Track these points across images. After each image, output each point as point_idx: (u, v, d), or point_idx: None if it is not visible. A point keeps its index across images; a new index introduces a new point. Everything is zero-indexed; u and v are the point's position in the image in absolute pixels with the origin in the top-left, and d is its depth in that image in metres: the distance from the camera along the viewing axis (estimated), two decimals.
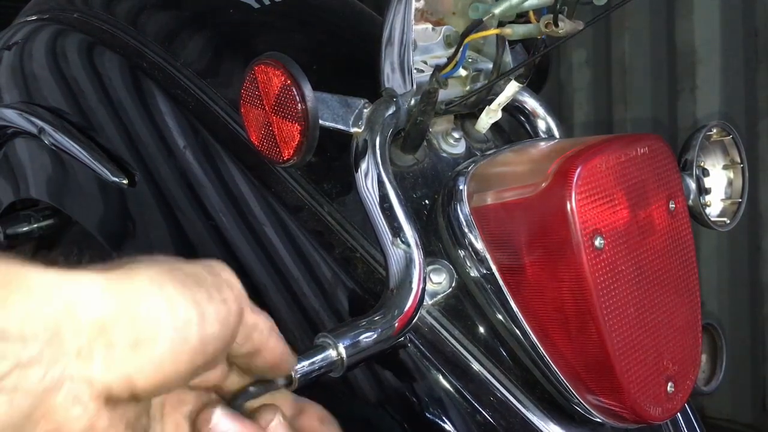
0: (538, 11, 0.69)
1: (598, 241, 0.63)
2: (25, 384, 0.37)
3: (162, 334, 0.41)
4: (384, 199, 0.66)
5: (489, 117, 0.76)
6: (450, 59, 0.70)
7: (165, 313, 0.42)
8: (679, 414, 0.79)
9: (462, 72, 0.75)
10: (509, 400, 0.69)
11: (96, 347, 0.40)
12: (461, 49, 0.69)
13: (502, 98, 0.74)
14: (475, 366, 0.70)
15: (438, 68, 0.71)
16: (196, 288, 0.44)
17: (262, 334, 0.49)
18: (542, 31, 0.66)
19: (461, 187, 0.69)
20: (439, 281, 0.70)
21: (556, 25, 0.65)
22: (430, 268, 0.70)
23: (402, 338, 0.65)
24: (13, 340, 0.37)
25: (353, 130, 0.68)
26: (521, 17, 0.70)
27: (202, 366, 0.44)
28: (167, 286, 0.43)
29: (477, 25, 0.68)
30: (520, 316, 0.68)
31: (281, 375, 0.53)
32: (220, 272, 0.46)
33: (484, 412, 0.69)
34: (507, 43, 0.77)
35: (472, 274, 0.69)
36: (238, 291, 0.47)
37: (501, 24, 0.72)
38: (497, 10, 0.67)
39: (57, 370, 0.38)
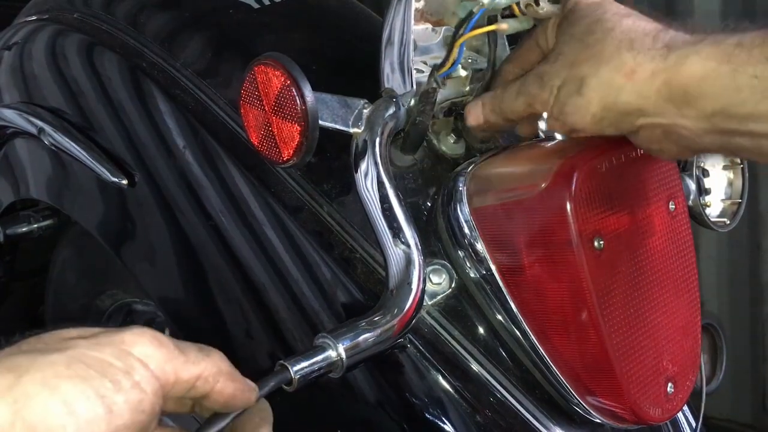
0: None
1: (598, 242, 0.63)
2: None
3: None
4: (384, 199, 0.66)
5: None
6: (447, 58, 0.70)
7: (65, 416, 0.41)
8: (679, 414, 0.79)
9: (462, 72, 0.75)
10: (509, 400, 0.69)
11: None
12: (458, 47, 0.69)
13: None
14: (475, 366, 0.70)
15: (436, 68, 0.71)
16: (99, 380, 0.42)
17: (206, 382, 0.48)
18: (522, 11, 0.67)
19: (461, 188, 0.69)
20: (439, 282, 0.70)
21: (538, 5, 0.66)
22: (430, 268, 0.70)
23: (401, 339, 0.65)
24: None
25: (353, 130, 0.68)
26: (505, 10, 0.71)
27: None
28: (63, 386, 0.41)
29: (465, 21, 0.69)
30: (519, 316, 0.68)
31: (240, 408, 0.52)
32: (132, 349, 0.45)
33: (483, 413, 0.69)
34: (506, 41, 0.77)
35: (471, 275, 0.69)
36: (158, 360, 0.45)
37: (494, 21, 0.72)
38: (486, 0, 0.68)
39: None
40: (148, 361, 0.45)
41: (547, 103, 0.64)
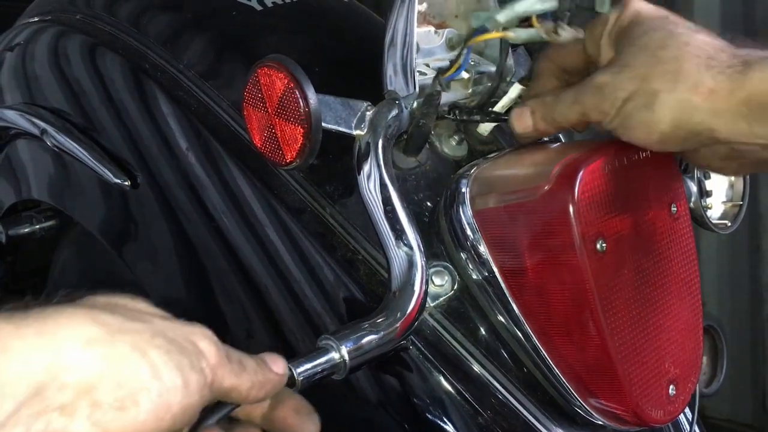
0: (541, 15, 0.69)
1: (600, 244, 0.63)
2: None
3: (146, 399, 0.42)
4: (386, 201, 0.66)
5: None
6: (452, 63, 0.70)
7: (150, 379, 0.43)
8: (680, 416, 0.79)
9: (464, 75, 0.76)
10: (511, 402, 0.69)
11: (80, 405, 0.41)
12: (464, 53, 0.70)
13: (506, 101, 0.74)
14: (477, 368, 0.70)
15: (441, 71, 0.71)
16: (179, 356, 0.44)
17: (240, 395, 0.49)
18: (543, 38, 0.66)
19: (464, 190, 0.69)
20: (441, 284, 0.70)
21: (557, 33, 0.65)
22: (433, 270, 0.70)
23: (404, 341, 0.66)
24: None
25: (356, 132, 0.68)
26: (524, 21, 0.70)
27: (177, 431, 0.45)
28: (151, 353, 0.43)
29: (480, 34, 0.69)
30: (522, 318, 0.68)
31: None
32: (198, 342, 0.47)
33: (485, 414, 0.69)
34: (510, 46, 0.77)
35: (474, 277, 0.69)
36: (215, 361, 0.47)
37: (503, 28, 0.72)
38: (502, 18, 0.67)
39: (40, 425, 0.39)
40: (208, 357, 0.47)
41: (606, 114, 0.62)
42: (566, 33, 0.65)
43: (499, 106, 0.74)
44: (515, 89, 0.73)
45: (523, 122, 0.69)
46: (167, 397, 0.43)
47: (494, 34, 0.69)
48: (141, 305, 0.48)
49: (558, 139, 0.82)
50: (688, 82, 0.58)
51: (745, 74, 0.57)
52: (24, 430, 0.39)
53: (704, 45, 0.60)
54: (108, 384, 0.41)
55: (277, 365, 0.53)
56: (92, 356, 0.41)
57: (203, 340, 0.47)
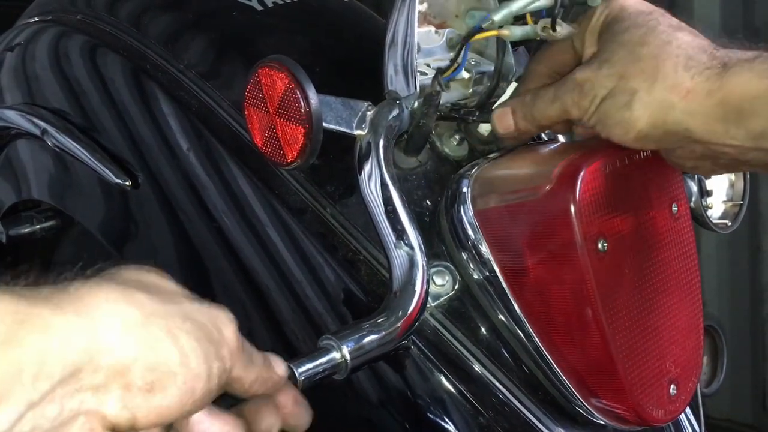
0: (536, 13, 0.69)
1: (602, 244, 0.63)
2: (42, 422, 0.39)
3: (174, 385, 0.43)
4: (387, 201, 0.66)
5: None
6: (451, 63, 0.70)
7: (179, 366, 0.43)
8: (681, 415, 0.79)
9: (465, 74, 0.75)
10: (512, 402, 0.69)
11: (113, 386, 0.41)
12: (462, 53, 0.69)
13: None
14: (478, 368, 0.70)
15: (440, 71, 0.71)
16: (207, 344, 0.45)
17: (242, 387, 0.50)
18: (539, 35, 0.66)
19: (464, 190, 0.69)
20: (443, 283, 0.70)
21: (554, 30, 0.65)
22: (434, 270, 0.70)
23: (405, 341, 0.66)
24: (24, 381, 0.38)
25: (356, 132, 0.68)
26: (518, 19, 0.70)
27: (193, 414, 0.46)
28: (182, 338, 0.44)
29: (476, 33, 0.68)
30: (523, 318, 0.68)
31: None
32: (223, 328, 0.47)
33: (486, 414, 0.69)
34: (509, 45, 0.77)
35: (475, 277, 0.69)
36: (233, 348, 0.48)
37: (499, 26, 0.72)
38: (497, 17, 0.67)
39: (74, 403, 0.40)
40: (229, 343, 0.47)
41: (585, 111, 0.62)
42: (562, 30, 0.65)
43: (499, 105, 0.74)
44: (515, 88, 0.73)
45: (504, 122, 0.69)
46: (192, 384, 0.44)
47: (489, 33, 0.68)
48: (169, 284, 0.49)
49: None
50: (666, 81, 0.58)
51: (722, 76, 0.57)
52: (58, 407, 0.40)
53: (684, 44, 0.60)
54: (140, 367, 0.42)
55: (279, 367, 0.53)
56: (128, 340, 0.42)
57: (227, 326, 0.48)
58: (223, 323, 0.48)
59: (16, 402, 0.38)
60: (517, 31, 0.68)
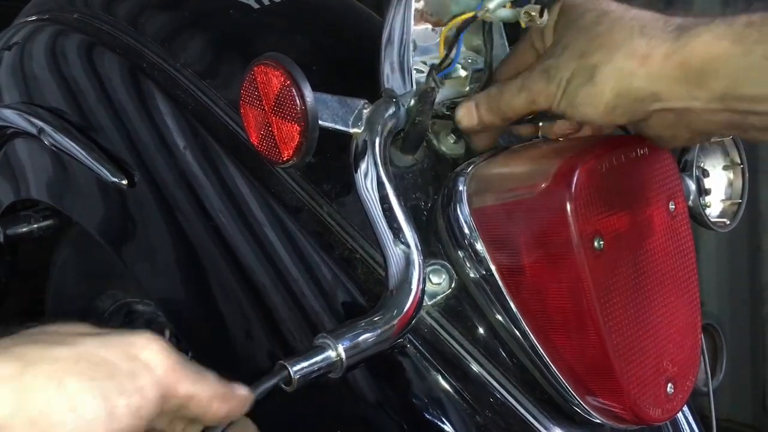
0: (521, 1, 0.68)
1: (598, 242, 0.63)
2: None
3: None
4: (383, 199, 0.66)
5: None
6: (445, 57, 0.70)
7: (66, 413, 0.40)
8: (679, 414, 0.79)
9: (462, 72, 0.75)
10: (508, 401, 0.69)
11: None
12: (455, 46, 0.69)
13: None
14: (475, 367, 0.70)
15: (434, 67, 0.71)
16: (104, 380, 0.42)
17: (200, 404, 0.47)
18: (522, 20, 0.66)
19: (461, 188, 0.69)
20: (439, 282, 0.70)
21: (542, 15, 0.65)
22: (430, 268, 0.70)
23: (401, 339, 0.65)
24: None
25: (353, 130, 0.68)
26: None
27: None
28: (69, 382, 0.41)
29: (456, 17, 0.68)
30: (519, 316, 0.68)
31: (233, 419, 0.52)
32: (139, 353, 0.45)
33: (483, 413, 0.69)
34: (506, 43, 0.77)
35: (471, 275, 0.69)
36: (164, 368, 0.45)
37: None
38: (491, 5, 0.66)
39: None
40: (154, 368, 0.45)
41: (553, 97, 0.63)
42: (546, 17, 0.65)
43: None
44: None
45: (468, 116, 0.70)
46: (87, 428, 0.41)
47: (466, 15, 0.68)
48: (75, 328, 0.46)
49: None
50: (622, 50, 0.59)
51: (678, 38, 0.57)
52: None
53: (638, 15, 0.61)
54: (20, 423, 0.40)
55: (239, 387, 0.51)
56: (3, 394, 0.40)
57: (147, 349, 0.45)
58: (141, 348, 0.45)
59: None
60: (500, 13, 0.67)
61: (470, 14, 0.68)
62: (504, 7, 0.67)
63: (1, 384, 0.40)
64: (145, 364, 0.45)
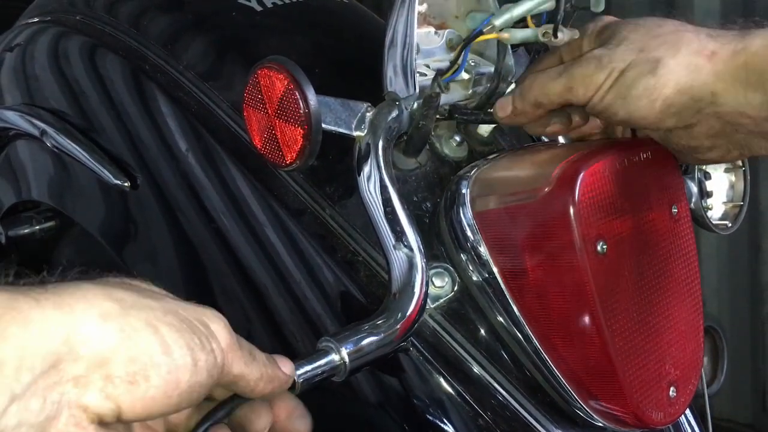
0: (537, 15, 0.69)
1: (601, 246, 0.63)
2: (27, 416, 0.39)
3: (157, 375, 0.43)
4: (386, 203, 0.66)
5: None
6: (451, 64, 0.70)
7: (161, 356, 0.43)
8: (681, 418, 0.79)
9: (464, 75, 0.75)
10: (511, 404, 0.69)
11: (94, 377, 0.42)
12: (462, 55, 0.69)
13: None
14: (477, 370, 0.70)
15: (440, 73, 0.71)
16: (190, 335, 0.45)
17: (247, 385, 0.49)
18: (540, 39, 0.66)
19: (464, 191, 0.69)
20: (442, 285, 0.70)
21: (556, 36, 0.65)
22: (433, 272, 0.70)
23: (404, 342, 0.65)
24: (7, 374, 0.38)
25: (356, 133, 0.68)
26: (519, 22, 0.70)
27: (184, 408, 0.46)
28: (163, 329, 0.44)
29: (476, 36, 0.68)
30: (522, 320, 0.68)
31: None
32: (210, 323, 0.47)
33: (485, 416, 0.69)
34: (509, 46, 0.77)
35: (474, 278, 0.69)
36: (226, 344, 0.47)
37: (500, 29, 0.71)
38: (498, 22, 0.66)
39: (55, 396, 0.40)
40: (220, 340, 0.47)
41: (597, 87, 0.62)
42: (563, 35, 0.65)
43: None
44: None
45: (503, 108, 0.69)
46: (177, 374, 0.44)
47: (489, 36, 0.68)
48: (153, 287, 0.49)
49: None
50: (690, 46, 0.59)
51: (744, 38, 0.58)
52: (40, 400, 0.40)
53: (698, 26, 0.62)
54: (121, 358, 0.42)
55: (286, 366, 0.53)
56: (107, 330, 0.42)
57: (215, 322, 0.48)
58: (210, 319, 0.47)
59: (0, 394, 0.38)
60: (517, 35, 0.68)
61: (493, 35, 0.68)
62: (514, 26, 0.67)
63: (107, 320, 0.42)
64: (213, 332, 0.47)
